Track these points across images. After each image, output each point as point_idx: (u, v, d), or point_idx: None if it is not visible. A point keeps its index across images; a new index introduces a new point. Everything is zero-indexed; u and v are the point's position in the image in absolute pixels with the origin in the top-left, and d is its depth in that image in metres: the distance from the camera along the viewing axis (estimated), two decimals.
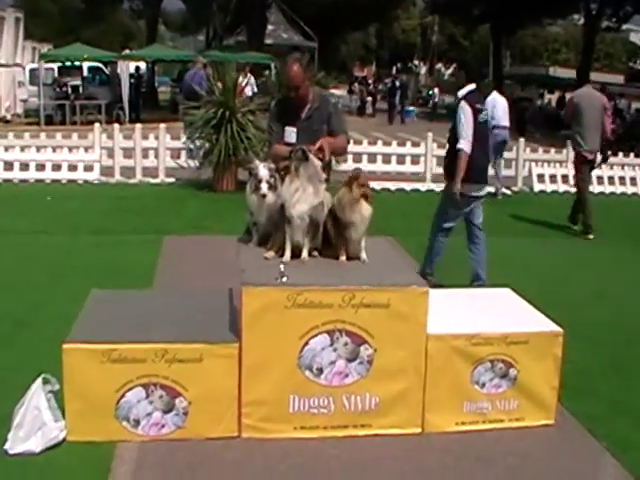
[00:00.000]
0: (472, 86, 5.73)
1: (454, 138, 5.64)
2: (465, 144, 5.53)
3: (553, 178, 12.45)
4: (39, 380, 3.36)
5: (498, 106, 10.76)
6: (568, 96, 16.66)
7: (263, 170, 3.74)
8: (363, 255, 3.71)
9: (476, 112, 5.59)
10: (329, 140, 4.19)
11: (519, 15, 37.09)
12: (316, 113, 4.39)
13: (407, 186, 11.84)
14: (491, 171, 11.42)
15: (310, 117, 4.38)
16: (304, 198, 3.54)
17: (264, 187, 3.70)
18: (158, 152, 11.46)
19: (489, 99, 9.80)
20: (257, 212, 3.78)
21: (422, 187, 11.88)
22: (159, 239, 7.49)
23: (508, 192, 11.71)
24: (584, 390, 4.19)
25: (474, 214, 5.87)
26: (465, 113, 5.54)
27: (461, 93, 5.70)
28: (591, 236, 8.71)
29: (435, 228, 5.99)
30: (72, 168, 11.24)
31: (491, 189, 11.18)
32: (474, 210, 5.85)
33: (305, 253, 3.63)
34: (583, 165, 8.76)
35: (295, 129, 4.36)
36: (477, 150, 5.58)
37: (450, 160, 5.70)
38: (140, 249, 7.15)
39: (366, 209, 3.64)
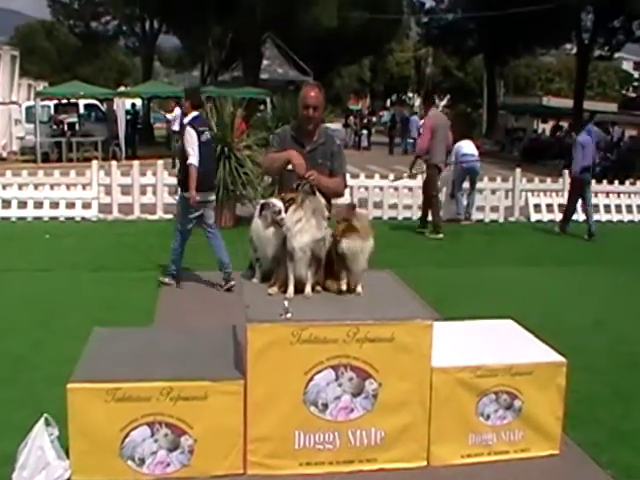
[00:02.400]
0: (196, 113, 7.04)
1: (183, 157, 6.94)
2: (194, 160, 6.80)
3: (550, 207, 12.57)
4: (42, 420, 3.37)
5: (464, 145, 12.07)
6: (564, 124, 16.93)
7: (278, 202, 3.80)
8: (358, 288, 3.72)
9: (199, 133, 6.89)
10: (326, 178, 4.26)
11: (512, 45, 37.69)
12: (321, 148, 4.42)
13: (399, 215, 12.03)
14: (465, 201, 11.82)
15: (314, 150, 4.39)
16: (306, 230, 3.59)
17: (284, 216, 3.71)
18: (156, 188, 11.55)
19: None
20: (264, 247, 3.82)
21: (415, 216, 12.06)
22: (157, 276, 7.51)
23: (468, 222, 11.85)
24: (587, 418, 4.22)
25: (206, 216, 7.19)
26: (191, 135, 6.84)
27: (186, 120, 7.03)
28: (441, 235, 10.37)
29: (178, 232, 7.18)
30: (70, 205, 11.31)
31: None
32: (205, 213, 7.15)
33: (308, 288, 3.68)
34: (435, 172, 10.62)
35: None
36: (203, 164, 6.88)
37: (183, 175, 6.96)
38: (140, 286, 7.18)
39: (351, 243, 3.61)
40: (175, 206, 11.40)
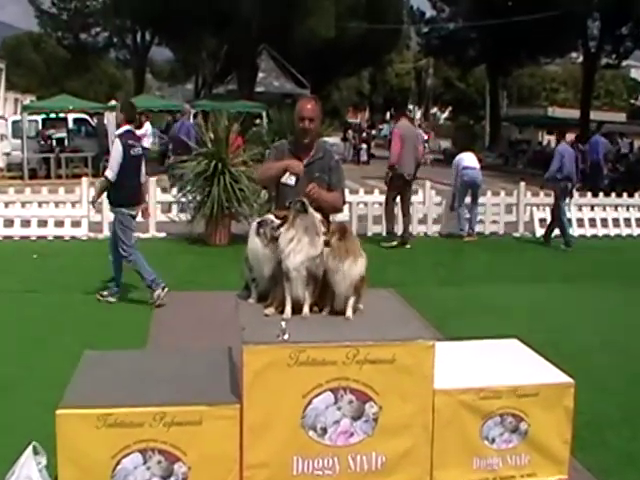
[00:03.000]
0: (128, 127, 7.24)
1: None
2: (110, 173, 7.02)
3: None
4: (30, 448, 3.37)
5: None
6: (568, 137, 16.98)
7: (275, 219, 3.84)
8: (348, 312, 3.70)
9: (128, 147, 7.06)
10: (324, 192, 4.32)
11: (515, 55, 37.77)
12: (318, 162, 4.46)
13: (400, 231, 12.07)
14: (467, 214, 11.91)
15: (312, 164, 4.44)
16: (299, 249, 3.61)
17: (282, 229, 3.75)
18: (148, 206, 11.57)
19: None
20: (260, 266, 3.84)
21: (414, 231, 12.16)
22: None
23: (471, 239, 11.92)
24: (595, 441, 4.23)
25: None
26: (117, 150, 7.02)
27: (118, 132, 7.25)
28: (394, 242, 10.92)
29: (125, 249, 7.26)
30: (59, 224, 11.32)
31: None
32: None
33: (306, 309, 3.70)
34: (400, 182, 11.08)
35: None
36: (130, 178, 7.11)
37: (112, 189, 7.18)
38: (133, 307, 7.20)
39: (336, 264, 3.63)
40: (168, 223, 11.60)
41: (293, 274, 3.62)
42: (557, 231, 11.63)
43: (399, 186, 11.11)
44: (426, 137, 33.49)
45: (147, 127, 20.75)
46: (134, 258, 7.28)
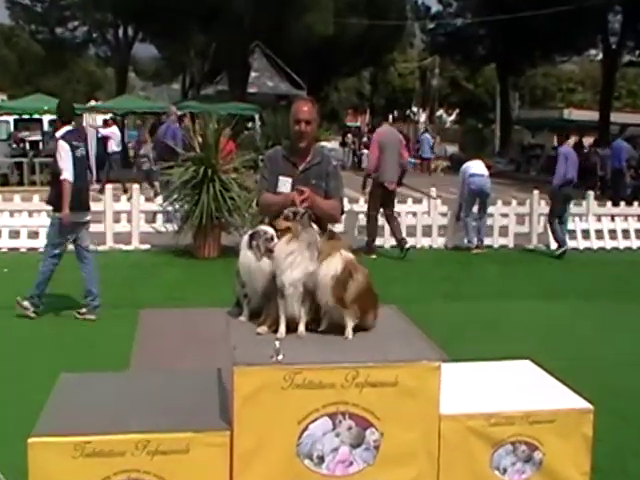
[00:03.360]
0: (69, 127, 7.35)
1: (55, 173, 7.20)
2: (68, 175, 7.05)
3: (572, 234, 12.65)
4: None
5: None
6: (587, 141, 17.08)
7: (269, 229, 3.84)
8: (347, 331, 3.68)
9: (73, 148, 7.16)
10: (321, 198, 4.35)
11: (528, 53, 37.64)
12: (315, 168, 4.49)
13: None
14: (475, 225, 11.95)
15: (308, 170, 4.47)
16: (297, 263, 3.63)
17: (277, 241, 3.75)
18: (131, 216, 11.62)
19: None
20: (253, 281, 3.85)
21: (419, 244, 12.29)
22: (134, 313, 7.54)
23: (479, 251, 11.97)
24: (616, 472, 4.22)
25: (81, 238, 7.47)
26: (64, 150, 7.11)
27: (59, 134, 7.34)
28: (373, 256, 11.08)
29: (46, 255, 7.43)
30: (32, 235, 11.29)
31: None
32: (81, 235, 7.45)
33: (302, 327, 3.71)
34: (381, 192, 11.29)
35: (290, 180, 4.43)
36: (77, 182, 7.14)
37: (55, 193, 7.21)
38: (113, 325, 7.20)
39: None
40: (153, 234, 11.63)
41: (289, 290, 3.63)
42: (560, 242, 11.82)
43: (380, 195, 11.30)
44: (432, 141, 33.63)
45: (114, 130, 20.84)
46: (46, 269, 7.38)
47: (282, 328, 3.68)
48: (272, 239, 3.78)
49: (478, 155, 13.45)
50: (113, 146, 20.53)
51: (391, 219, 11.56)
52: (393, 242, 12.16)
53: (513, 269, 10.94)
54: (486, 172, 12.24)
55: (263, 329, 3.73)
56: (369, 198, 11.55)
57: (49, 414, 3.56)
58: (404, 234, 12.17)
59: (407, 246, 11.24)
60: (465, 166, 12.35)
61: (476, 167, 12.19)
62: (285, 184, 4.44)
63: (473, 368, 4.43)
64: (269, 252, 3.78)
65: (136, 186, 11.97)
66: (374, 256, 11.06)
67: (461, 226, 12.21)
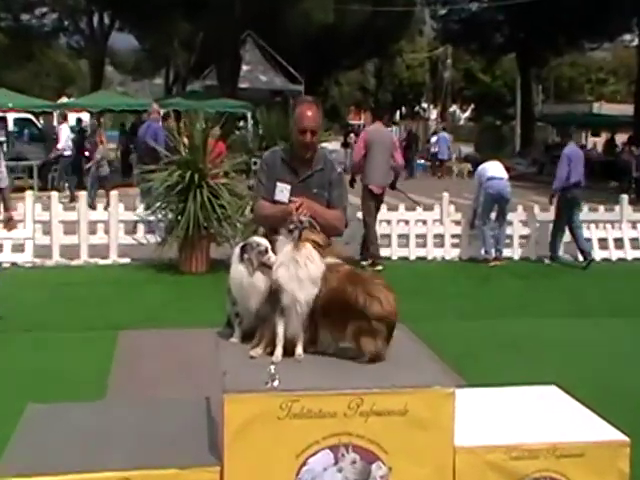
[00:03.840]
0: None
1: None
2: None
3: (603, 243, 12.65)
4: None
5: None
6: (620, 139, 17.07)
7: (263, 240, 3.86)
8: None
9: None
10: (322, 207, 4.36)
11: (553, 40, 37.29)
12: (318, 175, 4.52)
13: (411, 254, 12.18)
14: (491, 232, 11.98)
15: (310, 177, 4.50)
16: (315, 279, 3.68)
17: (272, 256, 3.77)
18: (109, 226, 11.63)
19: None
20: (246, 299, 3.86)
21: (431, 256, 12.32)
22: (112, 335, 7.54)
23: (498, 263, 12.01)
24: None
25: None
26: None
27: None
28: (380, 267, 11.01)
29: None
30: None
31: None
32: None
33: (300, 349, 3.72)
34: (369, 196, 11.45)
35: (288, 187, 4.47)
36: None
37: None
38: (88, 349, 7.20)
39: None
40: (133, 246, 11.63)
41: (301, 309, 3.65)
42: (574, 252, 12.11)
43: (370, 199, 11.41)
44: (448, 139, 33.70)
45: (63, 128, 20.82)
46: None
47: (279, 350, 3.68)
48: (266, 252, 3.79)
49: (496, 156, 13.49)
50: (59, 145, 20.41)
51: (370, 227, 11.54)
52: (401, 253, 12.20)
53: (536, 283, 10.94)
54: (505, 175, 12.23)
55: (257, 352, 3.74)
56: (361, 203, 11.62)
57: (14, 451, 3.53)
58: (413, 244, 12.20)
59: (379, 267, 11.05)
60: (481, 168, 12.35)
61: (494, 169, 12.18)
62: (283, 191, 4.46)
63: (492, 394, 4.43)
64: (263, 266, 3.79)
65: (114, 193, 11.99)
66: (380, 267, 11.03)
67: (477, 235, 12.21)
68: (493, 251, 12.04)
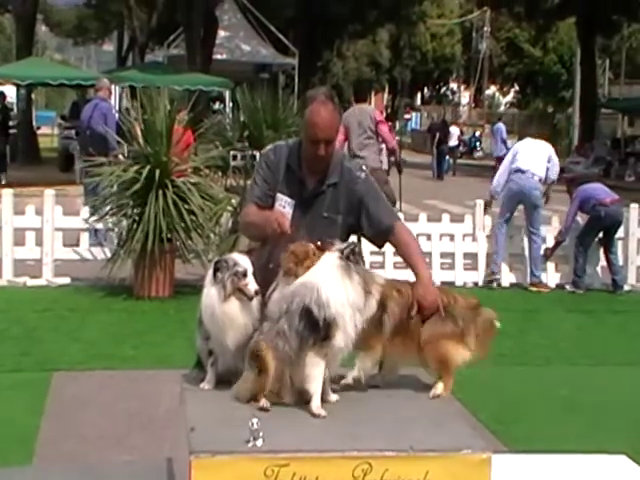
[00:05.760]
0: None
1: None
2: None
3: None
4: None
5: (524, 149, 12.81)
6: None
7: (244, 259, 3.89)
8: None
9: None
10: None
11: (624, 1, 37.17)
12: (331, 192, 4.48)
13: (435, 279, 12.14)
14: (515, 248, 12.17)
15: (321, 194, 4.48)
16: None
17: (251, 282, 3.81)
18: (42, 235, 11.60)
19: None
20: (221, 332, 3.88)
21: (460, 280, 12.33)
22: (44, 379, 7.53)
23: (542, 290, 12.11)
24: None
25: None
26: None
27: None
28: None
29: None
30: None
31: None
32: None
33: (316, 401, 3.75)
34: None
35: (292, 202, 4.44)
36: None
37: None
38: (12, 396, 7.18)
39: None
40: (74, 262, 11.54)
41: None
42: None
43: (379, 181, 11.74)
44: (478, 134, 33.88)
45: None
46: None
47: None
48: (244, 275, 3.82)
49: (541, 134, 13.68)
50: None
51: None
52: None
53: (599, 319, 10.94)
54: (542, 168, 12.46)
55: (265, 403, 3.74)
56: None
57: None
58: (437, 265, 12.21)
59: None
60: (514, 150, 12.98)
61: (526, 155, 12.48)
62: (285, 207, 4.44)
63: (540, 463, 4.45)
64: (240, 292, 3.82)
65: (49, 192, 11.97)
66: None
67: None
68: (542, 275, 12.13)
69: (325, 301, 3.67)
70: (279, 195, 4.46)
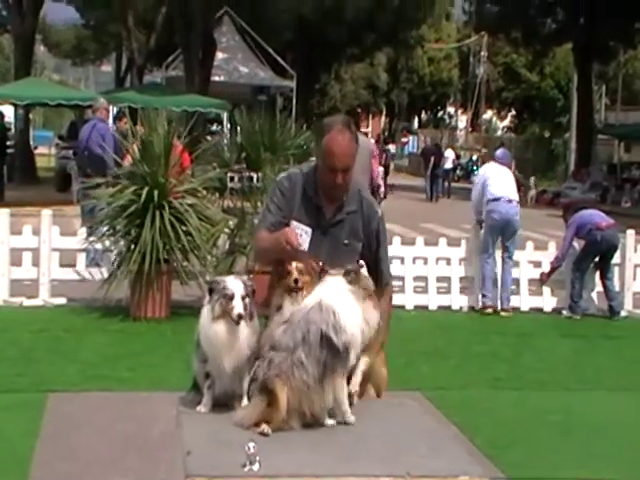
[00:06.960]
0: None
1: None
2: None
3: None
4: None
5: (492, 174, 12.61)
6: None
7: (233, 282, 3.90)
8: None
9: None
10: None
11: (622, 26, 36.80)
12: (350, 219, 4.54)
13: (430, 302, 12.20)
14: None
15: (340, 223, 4.53)
16: None
17: (237, 306, 3.83)
18: (39, 255, 11.61)
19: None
20: (218, 354, 3.88)
21: (457, 304, 12.35)
22: (39, 400, 7.50)
23: (506, 314, 12.13)
24: None
25: None
26: None
27: None
28: None
29: None
30: None
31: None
32: None
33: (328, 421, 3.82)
34: None
35: (309, 230, 4.48)
36: None
37: None
38: (6, 417, 7.16)
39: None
40: (70, 283, 11.55)
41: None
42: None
43: None
44: (475, 157, 34.07)
45: None
46: None
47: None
48: (231, 299, 3.83)
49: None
50: None
51: None
52: (417, 300, 12.18)
53: (594, 344, 10.94)
54: (514, 195, 12.48)
55: (266, 429, 3.73)
56: None
57: None
58: (433, 289, 12.22)
59: None
60: (482, 173, 12.93)
61: (497, 181, 12.43)
62: (301, 233, 4.45)
63: None
64: (227, 315, 3.83)
65: (46, 212, 11.99)
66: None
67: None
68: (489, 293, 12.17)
69: (343, 326, 3.73)
70: (295, 223, 4.49)
